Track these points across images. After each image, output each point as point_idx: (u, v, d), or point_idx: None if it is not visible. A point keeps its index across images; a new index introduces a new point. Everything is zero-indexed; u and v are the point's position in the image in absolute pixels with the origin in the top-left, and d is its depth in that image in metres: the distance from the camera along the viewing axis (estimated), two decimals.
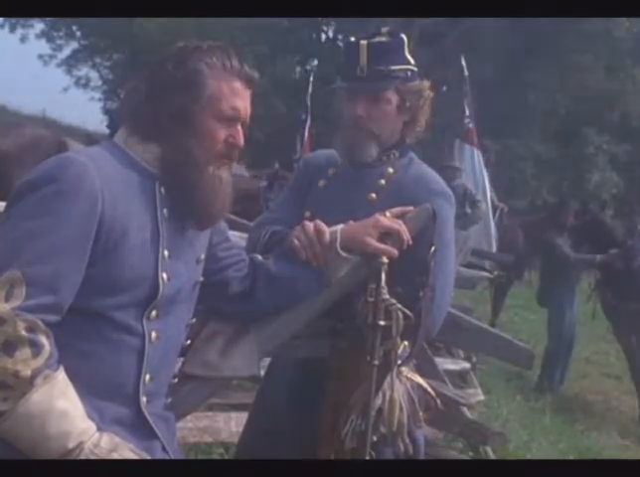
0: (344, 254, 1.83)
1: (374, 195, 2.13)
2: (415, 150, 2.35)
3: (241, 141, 1.61)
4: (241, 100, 1.61)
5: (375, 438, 1.89)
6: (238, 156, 1.64)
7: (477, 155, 8.10)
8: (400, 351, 1.88)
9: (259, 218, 2.30)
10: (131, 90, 1.60)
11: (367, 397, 1.87)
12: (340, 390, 1.99)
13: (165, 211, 1.57)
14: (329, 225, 1.88)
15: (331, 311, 1.95)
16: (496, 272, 6.96)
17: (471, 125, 8.04)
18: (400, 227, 1.87)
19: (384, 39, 2.14)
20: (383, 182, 2.14)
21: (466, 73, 8.20)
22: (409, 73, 2.12)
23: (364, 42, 2.09)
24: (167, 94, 1.55)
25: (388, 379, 1.92)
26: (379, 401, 1.91)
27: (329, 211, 2.10)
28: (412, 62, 2.15)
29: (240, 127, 1.61)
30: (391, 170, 2.16)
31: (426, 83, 2.16)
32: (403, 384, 2.02)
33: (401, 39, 2.14)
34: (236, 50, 1.64)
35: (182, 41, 1.63)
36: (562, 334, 7.16)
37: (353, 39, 2.17)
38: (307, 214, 2.15)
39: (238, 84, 1.60)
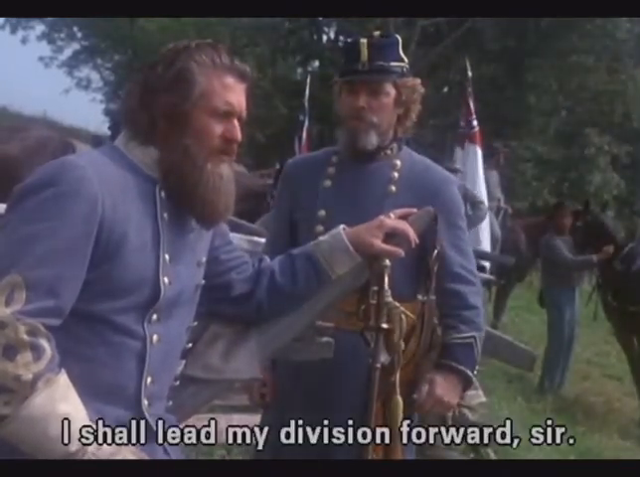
0: (351, 248, 1.81)
1: (393, 187, 2.21)
2: (417, 151, 2.39)
3: (239, 135, 1.59)
4: (235, 95, 1.59)
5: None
6: (236, 151, 1.62)
7: (480, 156, 8.06)
8: None
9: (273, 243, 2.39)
10: (127, 95, 1.60)
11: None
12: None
13: (165, 215, 1.56)
14: (346, 222, 1.89)
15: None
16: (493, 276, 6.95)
17: (477, 126, 8.03)
18: (406, 226, 1.87)
19: (380, 38, 2.27)
20: (396, 174, 2.23)
21: (470, 73, 8.19)
22: (404, 69, 2.25)
23: (364, 40, 2.21)
24: (159, 96, 1.54)
25: None
26: None
27: (345, 208, 2.18)
28: (406, 60, 2.27)
29: (236, 122, 1.59)
30: (398, 162, 2.25)
31: (418, 80, 2.28)
32: None
33: (396, 38, 2.29)
34: (225, 46, 1.62)
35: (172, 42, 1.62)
36: (562, 335, 7.15)
37: (351, 39, 2.31)
38: (322, 212, 2.22)
39: (230, 79, 1.58)
